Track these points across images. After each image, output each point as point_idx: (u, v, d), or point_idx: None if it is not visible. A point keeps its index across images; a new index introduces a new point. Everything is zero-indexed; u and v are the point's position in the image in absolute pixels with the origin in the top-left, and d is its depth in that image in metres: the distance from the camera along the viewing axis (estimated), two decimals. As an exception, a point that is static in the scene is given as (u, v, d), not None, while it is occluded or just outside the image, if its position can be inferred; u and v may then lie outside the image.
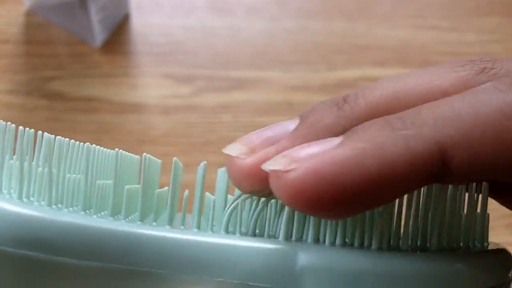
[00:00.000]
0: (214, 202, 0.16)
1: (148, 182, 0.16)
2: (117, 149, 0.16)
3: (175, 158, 0.16)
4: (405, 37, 0.49)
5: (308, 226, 0.15)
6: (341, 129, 0.14)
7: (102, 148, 0.17)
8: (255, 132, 0.15)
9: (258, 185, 0.14)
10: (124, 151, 0.18)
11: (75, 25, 0.43)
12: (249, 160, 0.15)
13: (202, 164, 0.16)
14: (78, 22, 0.43)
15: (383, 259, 0.15)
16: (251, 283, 0.14)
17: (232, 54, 0.46)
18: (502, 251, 0.16)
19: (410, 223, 0.16)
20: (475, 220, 0.17)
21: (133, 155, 0.20)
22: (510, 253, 0.16)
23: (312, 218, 0.15)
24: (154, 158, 0.18)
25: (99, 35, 0.44)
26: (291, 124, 0.15)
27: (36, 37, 0.44)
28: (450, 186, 0.16)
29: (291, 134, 0.15)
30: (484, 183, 0.16)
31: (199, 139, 0.41)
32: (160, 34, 0.46)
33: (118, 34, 0.45)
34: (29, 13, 0.45)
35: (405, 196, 0.15)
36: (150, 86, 0.44)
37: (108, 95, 0.43)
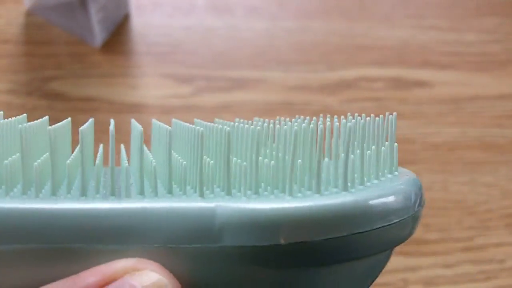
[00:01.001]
0: (154, 165, 0.15)
1: (58, 151, 0.15)
2: (23, 115, 0.15)
3: (83, 128, 0.15)
4: (405, 37, 0.49)
5: (224, 179, 0.15)
6: None
7: (11, 119, 0.16)
8: None
9: None
10: (34, 122, 0.16)
11: (75, 25, 0.43)
12: None
13: (111, 122, 0.15)
14: (78, 22, 0.43)
15: (300, 205, 0.14)
16: (171, 245, 0.14)
17: (232, 54, 0.46)
18: (410, 177, 0.16)
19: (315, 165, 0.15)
20: (386, 151, 0.17)
21: (44, 124, 0.19)
22: (419, 180, 0.17)
23: (227, 170, 0.15)
24: (65, 121, 0.17)
25: (99, 35, 0.44)
26: None
27: (36, 37, 0.44)
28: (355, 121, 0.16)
29: None
30: (393, 115, 0.17)
31: (199, 139, 0.41)
32: (160, 34, 0.46)
33: (118, 34, 0.45)
34: (29, 13, 0.45)
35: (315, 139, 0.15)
36: (150, 86, 0.44)
37: (108, 95, 0.43)
